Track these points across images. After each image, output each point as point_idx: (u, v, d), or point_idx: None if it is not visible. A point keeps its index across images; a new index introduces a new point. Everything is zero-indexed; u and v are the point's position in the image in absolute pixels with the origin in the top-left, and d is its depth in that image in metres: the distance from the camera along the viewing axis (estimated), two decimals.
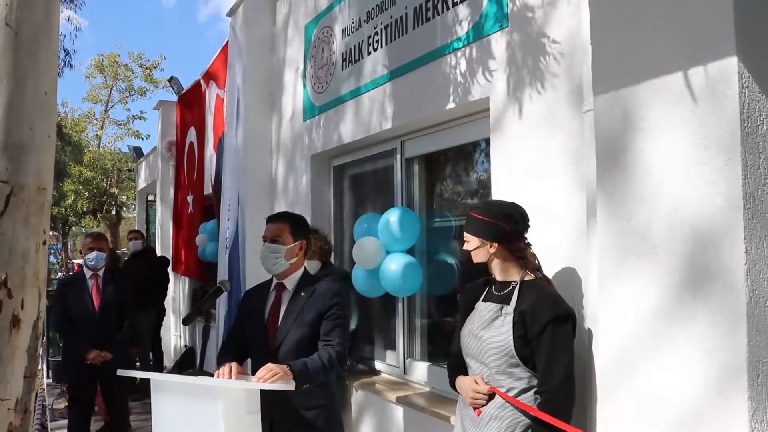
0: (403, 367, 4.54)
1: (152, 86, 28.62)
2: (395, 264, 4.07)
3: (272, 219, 3.32)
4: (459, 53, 3.71)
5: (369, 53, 4.65)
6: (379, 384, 4.50)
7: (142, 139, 28.03)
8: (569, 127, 2.97)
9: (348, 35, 4.97)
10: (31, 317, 1.93)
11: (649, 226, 2.21)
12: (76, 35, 27.44)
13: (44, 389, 6.87)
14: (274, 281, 3.30)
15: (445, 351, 4.18)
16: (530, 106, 3.20)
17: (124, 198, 27.87)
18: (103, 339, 5.10)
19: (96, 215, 26.66)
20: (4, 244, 1.87)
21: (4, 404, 1.82)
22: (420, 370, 4.38)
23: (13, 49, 1.93)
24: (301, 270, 3.30)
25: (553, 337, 2.52)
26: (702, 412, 2.06)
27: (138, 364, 8.12)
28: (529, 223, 2.78)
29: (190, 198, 9.14)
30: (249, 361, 3.29)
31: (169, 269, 9.35)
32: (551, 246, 3.00)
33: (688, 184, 2.10)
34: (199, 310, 3.29)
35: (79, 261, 10.29)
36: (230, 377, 2.84)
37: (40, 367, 6.31)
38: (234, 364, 2.89)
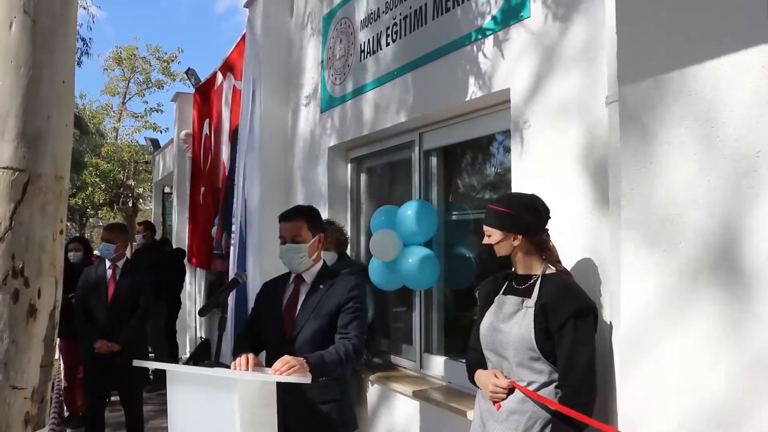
0: (419, 361, 4.51)
1: (169, 79, 28.76)
2: (413, 257, 4.04)
3: (287, 217, 3.24)
4: (479, 44, 3.66)
5: (388, 44, 4.61)
6: (395, 378, 4.47)
7: (160, 132, 28.18)
8: (592, 118, 2.92)
9: (366, 26, 4.93)
10: (48, 306, 1.93)
11: (674, 219, 2.17)
12: (93, 22, 27.52)
13: (61, 379, 6.90)
14: (293, 274, 3.27)
15: (463, 345, 4.14)
16: (552, 97, 3.15)
17: (141, 190, 28.03)
18: (113, 329, 5.11)
19: (113, 207, 26.84)
20: (22, 233, 1.86)
21: (20, 393, 1.82)
22: (437, 364, 4.35)
23: (31, 38, 1.92)
24: (320, 263, 3.28)
25: (575, 331, 2.48)
26: (724, 407, 2.01)
27: (152, 355, 8.15)
28: (550, 215, 2.74)
29: (203, 189, 9.17)
30: (263, 353, 3.27)
31: (185, 261, 9.37)
32: (571, 238, 2.96)
33: (717, 176, 2.05)
34: (215, 302, 3.26)
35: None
36: (247, 368, 2.82)
37: (57, 356, 6.34)
38: (251, 355, 2.88)
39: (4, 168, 1.87)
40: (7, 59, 1.91)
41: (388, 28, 4.61)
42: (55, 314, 1.96)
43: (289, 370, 2.70)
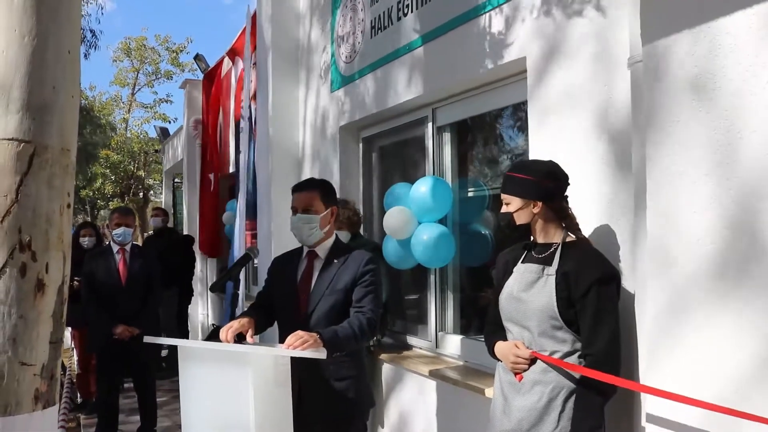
0: (435, 340, 4.45)
1: (179, 69, 28.81)
2: (427, 234, 3.97)
3: (300, 188, 3.20)
4: (493, 13, 3.56)
5: (399, 18, 4.52)
6: (410, 358, 4.41)
7: (169, 122, 28.26)
8: (612, 84, 2.82)
9: (377, 1, 4.84)
10: (56, 281, 1.88)
11: (704, 180, 2.08)
12: (102, 13, 27.54)
13: (73, 363, 6.91)
14: (305, 249, 3.22)
15: (479, 324, 4.08)
16: (570, 65, 3.06)
17: (151, 181, 28.14)
18: (129, 312, 5.10)
19: (123, 198, 26.97)
20: (28, 206, 1.81)
21: (29, 369, 1.77)
22: (453, 343, 4.29)
23: (35, 6, 1.86)
24: (333, 237, 3.22)
25: (598, 299, 2.41)
26: (755, 383, 1.93)
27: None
28: (569, 182, 2.66)
29: (212, 176, 9.15)
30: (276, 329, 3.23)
31: (195, 248, 9.34)
32: (592, 207, 2.88)
33: (747, 140, 1.95)
34: (227, 276, 3.23)
35: None
36: (227, 338, 2.75)
37: (70, 344, 6.33)
38: (235, 322, 2.81)
39: (9, 139, 1.81)
40: (10, 27, 1.85)
41: (399, 2, 4.52)
42: (64, 289, 1.91)
43: (302, 345, 2.64)
